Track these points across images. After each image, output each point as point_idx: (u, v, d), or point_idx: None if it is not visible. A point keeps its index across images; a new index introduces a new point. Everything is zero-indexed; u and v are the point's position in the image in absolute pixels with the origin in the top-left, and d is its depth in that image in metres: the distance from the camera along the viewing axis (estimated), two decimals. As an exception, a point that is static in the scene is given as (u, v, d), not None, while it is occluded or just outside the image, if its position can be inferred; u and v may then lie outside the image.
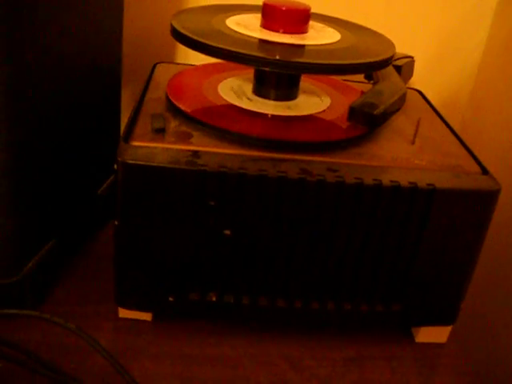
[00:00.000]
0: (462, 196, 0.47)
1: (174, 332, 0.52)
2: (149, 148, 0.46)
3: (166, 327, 0.53)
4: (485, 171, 0.49)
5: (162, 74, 0.59)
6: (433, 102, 0.62)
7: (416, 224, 0.47)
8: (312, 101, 0.55)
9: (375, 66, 0.49)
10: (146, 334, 0.52)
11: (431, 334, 0.54)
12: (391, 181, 0.46)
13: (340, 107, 0.55)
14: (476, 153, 0.52)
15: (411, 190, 0.46)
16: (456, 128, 0.56)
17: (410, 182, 0.46)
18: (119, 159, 0.44)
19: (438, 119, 0.58)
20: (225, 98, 0.54)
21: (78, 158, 0.55)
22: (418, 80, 0.72)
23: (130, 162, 0.44)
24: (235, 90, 0.55)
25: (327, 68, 0.47)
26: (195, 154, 0.46)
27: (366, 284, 0.50)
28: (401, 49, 0.63)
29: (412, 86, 0.66)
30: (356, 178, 0.45)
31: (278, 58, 0.47)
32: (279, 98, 0.54)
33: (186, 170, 0.44)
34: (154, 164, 0.44)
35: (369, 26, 0.58)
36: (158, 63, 0.63)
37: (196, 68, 0.61)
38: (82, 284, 0.56)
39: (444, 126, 0.57)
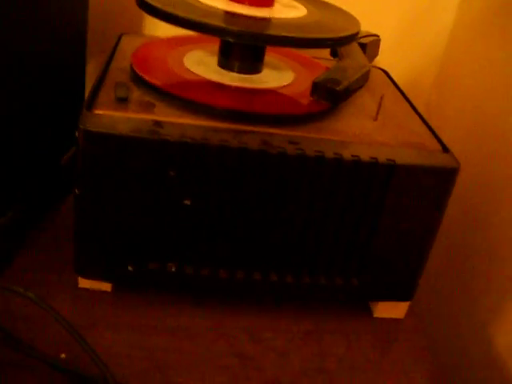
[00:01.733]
0: (422, 172, 0.47)
1: (133, 303, 0.52)
2: (111, 117, 0.45)
3: (125, 298, 0.53)
4: (445, 149, 0.50)
5: (128, 45, 0.59)
6: (398, 83, 0.63)
7: (376, 199, 0.48)
8: (276, 75, 0.55)
9: (339, 41, 0.50)
10: (105, 305, 0.52)
11: (389, 310, 0.55)
12: (352, 155, 0.46)
13: (304, 82, 0.55)
14: (438, 133, 0.53)
15: (371, 165, 0.46)
16: (420, 109, 0.57)
17: (371, 157, 0.46)
18: (81, 127, 0.44)
19: (402, 98, 0.59)
20: (189, 69, 0.54)
21: (40, 127, 0.55)
22: (384, 60, 0.72)
23: (92, 129, 0.44)
24: (200, 62, 0.55)
25: (291, 40, 0.47)
26: (158, 123, 0.45)
27: (326, 257, 0.50)
28: (367, 28, 0.63)
29: (378, 66, 0.67)
30: (317, 151, 0.46)
31: (242, 29, 0.47)
32: (243, 70, 0.54)
33: (147, 139, 0.44)
34: (116, 132, 0.44)
35: (336, 4, 0.58)
36: (123, 34, 0.62)
37: (162, 40, 0.61)
38: (43, 253, 0.56)
39: (408, 105, 0.57)
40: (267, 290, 0.52)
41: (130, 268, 0.50)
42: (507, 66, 0.63)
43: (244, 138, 0.45)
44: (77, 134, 0.45)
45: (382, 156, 0.47)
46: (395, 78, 0.64)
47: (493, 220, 0.64)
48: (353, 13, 0.56)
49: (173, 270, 0.50)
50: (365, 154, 0.47)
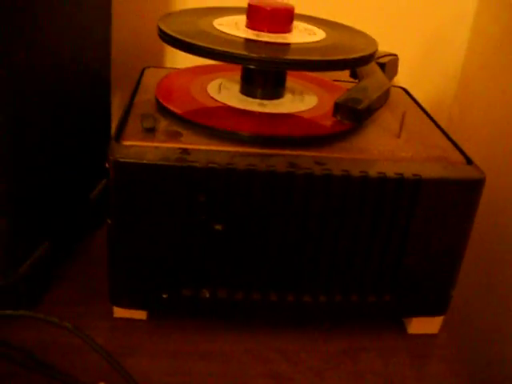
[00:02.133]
0: (448, 185, 0.48)
1: (168, 330, 0.53)
2: (139, 147, 0.46)
3: (160, 325, 0.53)
4: (469, 161, 0.50)
5: (151, 78, 0.60)
6: (419, 101, 0.63)
7: (403, 214, 0.48)
8: (298, 99, 0.56)
9: (358, 62, 0.51)
10: (141, 333, 0.52)
11: (423, 325, 0.55)
12: (378, 172, 0.47)
13: (326, 105, 0.56)
14: (462, 146, 0.53)
15: (398, 181, 0.47)
16: (442, 125, 0.57)
17: (396, 173, 0.47)
18: (111, 157, 0.45)
19: (424, 115, 0.59)
20: (213, 97, 0.55)
21: (70, 161, 0.56)
22: (403, 79, 0.73)
23: (121, 160, 0.45)
24: (223, 91, 0.56)
25: (311, 64, 0.48)
26: (185, 151, 0.46)
27: (357, 275, 0.51)
28: (386, 48, 0.64)
29: (398, 85, 0.68)
30: (343, 170, 0.46)
31: (263, 55, 0.48)
32: (266, 96, 0.55)
33: (176, 166, 0.45)
34: (145, 161, 0.45)
35: (353, 25, 0.60)
36: (146, 67, 0.64)
37: (184, 70, 0.62)
38: (76, 285, 0.57)
39: (429, 120, 0.58)
40: (300, 311, 0.52)
41: (164, 295, 0.51)
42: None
43: (271, 161, 0.46)
44: (107, 165, 0.46)
45: (408, 171, 0.47)
46: (415, 96, 0.64)
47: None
48: (371, 33, 0.57)
49: (206, 295, 0.51)
50: (390, 171, 0.47)
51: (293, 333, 0.54)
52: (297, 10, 0.54)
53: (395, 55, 0.64)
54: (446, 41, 0.77)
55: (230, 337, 0.53)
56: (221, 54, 0.48)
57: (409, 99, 0.63)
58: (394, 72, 0.64)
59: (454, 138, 0.55)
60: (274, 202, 0.47)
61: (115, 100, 0.66)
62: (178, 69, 0.64)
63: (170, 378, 0.48)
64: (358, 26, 0.59)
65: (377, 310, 0.53)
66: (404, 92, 0.65)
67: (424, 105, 0.62)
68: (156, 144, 0.47)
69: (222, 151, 0.47)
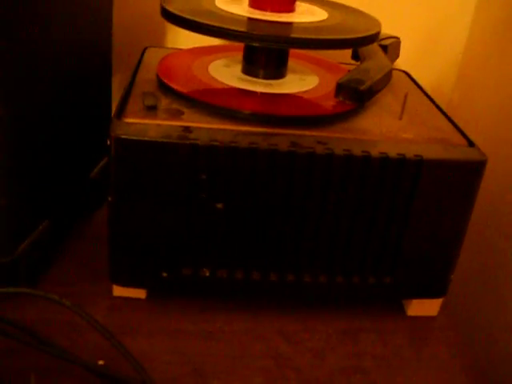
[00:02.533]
0: (449, 167, 0.48)
1: (168, 309, 0.53)
2: (141, 124, 0.46)
3: (160, 304, 0.53)
4: (471, 144, 0.50)
5: (152, 58, 0.60)
6: (421, 84, 0.63)
7: (405, 195, 0.48)
8: (300, 80, 0.56)
9: (361, 41, 0.50)
10: (140, 311, 0.52)
11: (422, 308, 0.55)
12: (380, 152, 0.47)
13: (328, 85, 0.55)
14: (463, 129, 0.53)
15: (399, 161, 0.47)
16: (444, 110, 0.57)
17: (398, 154, 0.47)
18: (112, 134, 0.45)
19: (425, 97, 0.59)
20: (215, 77, 0.55)
21: (70, 140, 0.56)
22: (405, 63, 0.73)
23: (123, 136, 0.45)
24: (225, 70, 0.56)
25: (313, 42, 0.48)
26: (187, 128, 0.46)
27: (357, 256, 0.51)
28: (389, 31, 0.64)
29: (399, 68, 0.67)
30: (345, 149, 0.46)
31: (266, 32, 0.48)
32: (268, 76, 0.55)
33: (177, 143, 0.45)
34: (147, 139, 0.45)
35: (358, 7, 0.59)
36: (147, 47, 0.63)
37: (186, 50, 0.62)
38: (76, 264, 0.57)
39: (431, 103, 0.58)
40: (300, 291, 0.52)
41: (164, 274, 0.50)
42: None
43: (273, 140, 0.46)
44: (108, 142, 0.46)
45: (410, 152, 0.47)
46: (417, 81, 0.64)
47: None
48: (373, 15, 0.57)
49: (206, 274, 0.51)
50: (392, 151, 0.47)
51: (293, 313, 0.54)
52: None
53: (397, 38, 0.63)
54: (448, 26, 0.77)
55: (230, 316, 0.53)
56: (224, 31, 0.47)
57: (410, 82, 0.63)
58: (396, 55, 0.64)
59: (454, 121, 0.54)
60: (276, 180, 0.47)
61: (116, 79, 0.66)
62: (180, 49, 0.63)
63: (169, 357, 0.48)
64: (361, 8, 0.59)
65: (377, 291, 0.53)
66: (406, 75, 0.65)
67: (425, 89, 0.62)
68: (158, 122, 0.47)
69: (224, 129, 0.47)
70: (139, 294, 0.53)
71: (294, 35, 0.49)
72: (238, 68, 0.56)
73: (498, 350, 0.64)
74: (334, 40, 0.49)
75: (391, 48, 0.61)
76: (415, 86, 0.62)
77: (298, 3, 0.55)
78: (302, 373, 0.48)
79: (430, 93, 0.61)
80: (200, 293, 0.53)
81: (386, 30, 0.59)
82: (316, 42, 0.48)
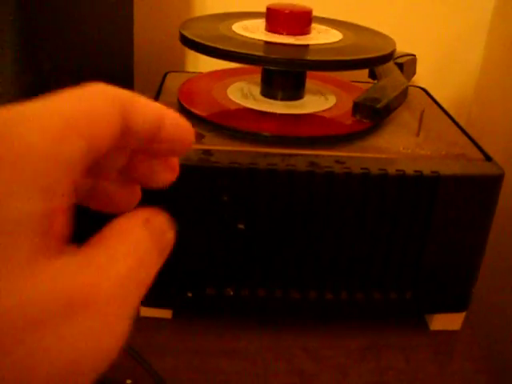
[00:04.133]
0: (466, 182, 0.48)
1: (193, 328, 0.54)
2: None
3: (185, 324, 0.54)
4: (488, 158, 0.51)
5: (173, 82, 0.62)
6: (439, 101, 0.64)
7: (423, 211, 0.49)
8: (318, 100, 0.57)
9: (376, 61, 0.51)
10: (166, 331, 0.54)
11: (445, 322, 0.55)
12: (397, 170, 0.47)
13: (345, 105, 0.56)
14: (481, 144, 0.53)
15: (416, 178, 0.48)
16: (462, 125, 0.58)
17: (415, 171, 0.48)
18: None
19: (443, 113, 0.60)
20: (234, 100, 0.56)
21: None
22: (423, 79, 0.73)
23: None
24: (244, 93, 0.57)
25: (330, 64, 0.49)
26: (207, 152, 0.48)
27: (378, 272, 0.51)
28: (405, 49, 0.65)
29: (417, 85, 0.68)
30: (363, 168, 0.47)
31: (282, 56, 0.49)
32: (286, 97, 0.56)
33: (198, 166, 0.46)
34: (168, 163, 0.46)
35: (373, 27, 0.60)
36: (168, 72, 0.65)
37: (205, 74, 0.63)
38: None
39: (448, 119, 0.59)
40: (322, 308, 0.53)
41: (189, 294, 0.52)
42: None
43: (291, 161, 0.47)
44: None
45: (426, 169, 0.48)
46: (434, 96, 0.65)
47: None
48: (390, 34, 0.58)
49: (231, 294, 0.52)
50: (409, 168, 0.48)
51: (315, 330, 0.55)
52: (315, 13, 0.55)
53: (413, 55, 0.64)
54: (465, 41, 0.77)
55: (254, 335, 0.54)
56: (242, 56, 0.49)
57: (428, 99, 0.64)
58: (413, 72, 0.65)
59: (473, 136, 0.55)
60: (295, 200, 0.48)
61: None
62: (200, 73, 0.65)
63: (194, 375, 0.49)
64: (376, 28, 0.60)
65: (398, 307, 0.53)
66: (423, 92, 0.66)
67: (444, 105, 0.63)
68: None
69: (243, 151, 0.48)
70: (165, 314, 0.54)
71: (310, 57, 0.50)
72: (257, 90, 0.57)
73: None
74: (349, 61, 0.50)
75: (407, 65, 0.62)
76: (432, 102, 0.63)
77: (313, 25, 0.56)
78: None
79: (448, 108, 0.62)
80: (224, 312, 0.54)
81: (403, 47, 0.60)
82: (332, 63, 0.49)
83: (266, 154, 0.48)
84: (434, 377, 0.51)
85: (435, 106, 0.62)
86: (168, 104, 0.56)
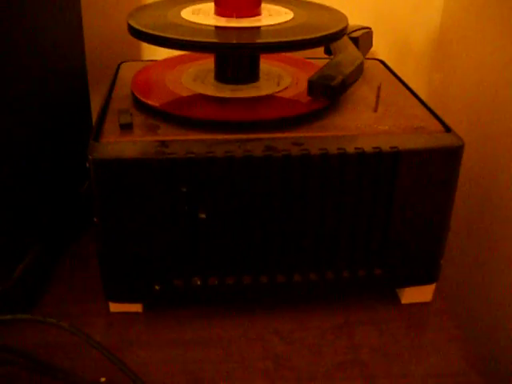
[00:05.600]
0: (427, 155, 0.48)
1: (164, 320, 0.54)
2: (118, 143, 0.47)
3: (157, 317, 0.54)
4: (448, 129, 0.50)
5: (128, 72, 0.60)
6: (397, 71, 0.63)
7: (385, 187, 0.49)
8: (273, 81, 0.57)
9: (328, 39, 0.50)
10: (137, 325, 0.53)
11: (416, 295, 0.56)
12: (355, 148, 0.47)
13: (301, 84, 0.56)
14: (444, 114, 0.53)
15: (376, 155, 0.47)
16: (423, 94, 0.57)
17: (374, 147, 0.47)
18: (90, 157, 0.46)
19: (401, 85, 0.59)
20: (188, 87, 0.55)
21: (54, 160, 0.57)
22: (379, 50, 0.73)
23: (100, 158, 0.46)
24: (197, 79, 0.56)
25: (282, 46, 0.48)
26: (163, 143, 0.47)
27: (345, 251, 0.51)
28: (359, 21, 0.64)
29: (375, 57, 0.68)
30: (321, 149, 0.47)
31: (234, 41, 0.48)
32: (240, 81, 0.55)
33: (155, 159, 0.46)
34: (124, 157, 0.46)
35: (325, 3, 0.59)
36: (122, 62, 0.64)
37: (158, 62, 0.62)
38: (72, 284, 0.58)
39: (407, 91, 0.58)
40: (292, 291, 0.53)
41: (156, 287, 0.51)
42: (502, 38, 0.64)
43: (248, 146, 0.47)
44: (87, 164, 0.46)
45: (386, 145, 0.47)
46: (394, 67, 0.64)
47: (504, 194, 0.64)
48: (344, 9, 0.57)
49: (198, 283, 0.51)
50: (368, 145, 0.47)
51: (287, 313, 0.55)
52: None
53: (369, 28, 0.64)
54: (422, 9, 0.76)
55: (226, 322, 0.54)
56: (191, 44, 0.48)
57: (385, 71, 0.63)
58: (369, 45, 0.64)
59: (433, 105, 0.55)
60: (255, 186, 0.47)
61: (95, 96, 0.66)
62: (153, 61, 0.64)
63: (168, 367, 0.49)
64: (330, 3, 0.59)
65: (368, 283, 0.53)
66: (381, 64, 0.65)
67: (401, 75, 0.62)
68: (134, 139, 0.47)
69: (199, 140, 0.47)
70: (136, 308, 0.54)
71: (261, 40, 0.50)
72: (211, 75, 0.57)
73: (498, 334, 0.65)
74: (301, 41, 0.49)
75: (362, 39, 0.61)
76: (390, 74, 0.62)
77: (263, 5, 0.55)
78: (301, 371, 0.49)
79: (407, 77, 0.61)
80: (193, 301, 0.53)
81: (355, 19, 0.59)
82: (284, 45, 0.48)
83: (223, 141, 0.47)
84: (407, 349, 0.51)
85: (393, 77, 0.61)
86: (123, 96, 0.55)
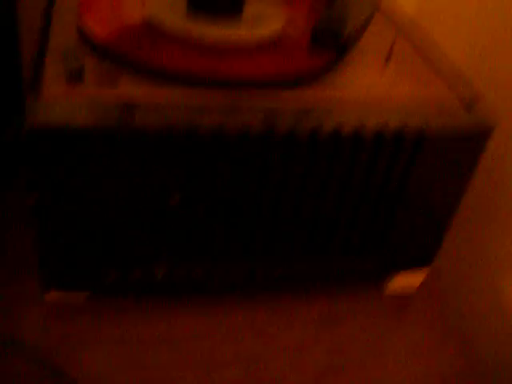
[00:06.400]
0: (451, 140, 0.39)
1: (115, 313, 0.44)
2: (66, 103, 0.34)
3: (105, 309, 0.44)
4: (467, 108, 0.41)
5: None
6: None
7: (398, 172, 0.40)
8: (262, 14, 0.44)
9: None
10: (81, 318, 0.43)
11: (400, 285, 0.49)
12: (377, 123, 0.37)
13: (298, 22, 0.44)
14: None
15: (396, 138, 0.38)
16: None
17: (398, 125, 0.37)
18: (28, 122, 0.33)
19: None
20: (154, 20, 0.42)
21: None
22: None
23: (44, 127, 0.33)
24: (166, 9, 0.43)
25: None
26: (128, 107, 0.35)
27: (343, 236, 0.43)
28: None
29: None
30: (337, 122, 0.36)
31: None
32: (221, 10, 0.43)
33: (118, 131, 0.34)
34: (76, 127, 0.34)
35: None
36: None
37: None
38: (6, 262, 0.47)
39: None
40: (276, 281, 0.44)
41: (109, 276, 0.41)
42: None
43: (242, 117, 0.36)
44: (24, 130, 0.34)
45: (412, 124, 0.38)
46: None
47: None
48: None
49: (161, 273, 0.42)
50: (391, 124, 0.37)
51: (266, 307, 0.46)
52: None
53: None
54: None
55: (193, 317, 0.44)
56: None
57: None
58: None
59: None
60: (249, 166, 0.37)
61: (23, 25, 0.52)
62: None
63: (120, 371, 0.40)
64: None
65: (361, 271, 0.46)
66: None
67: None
68: (87, 91, 0.35)
69: (176, 105, 0.36)
70: (77, 297, 0.43)
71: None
72: (183, 3, 0.44)
73: (476, 312, 0.59)
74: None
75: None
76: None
77: None
78: (280, 366, 0.42)
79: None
80: (154, 293, 0.44)
81: None
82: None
83: (207, 110, 0.36)
84: (389, 341, 0.46)
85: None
86: (66, 28, 0.41)
